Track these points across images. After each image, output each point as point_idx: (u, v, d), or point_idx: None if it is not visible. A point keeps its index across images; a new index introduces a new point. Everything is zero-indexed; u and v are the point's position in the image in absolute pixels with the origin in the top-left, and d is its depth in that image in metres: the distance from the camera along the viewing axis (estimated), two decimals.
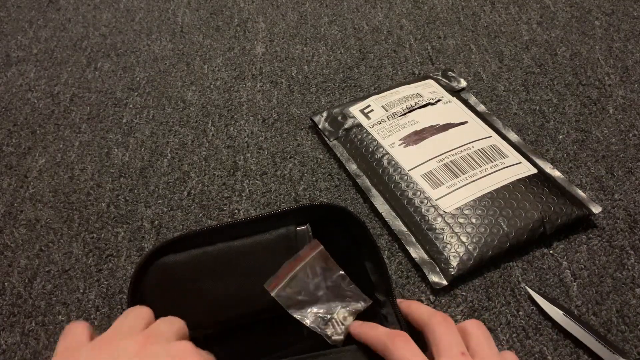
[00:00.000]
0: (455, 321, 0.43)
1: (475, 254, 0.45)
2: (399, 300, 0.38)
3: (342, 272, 0.38)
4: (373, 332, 0.34)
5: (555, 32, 0.69)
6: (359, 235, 0.40)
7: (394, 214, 0.49)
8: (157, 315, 0.36)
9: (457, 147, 0.52)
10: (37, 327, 0.44)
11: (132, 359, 0.27)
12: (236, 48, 0.70)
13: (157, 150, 0.57)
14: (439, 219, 0.47)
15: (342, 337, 0.37)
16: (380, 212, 0.49)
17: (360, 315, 0.38)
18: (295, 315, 0.37)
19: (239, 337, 0.39)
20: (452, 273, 0.44)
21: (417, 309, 0.36)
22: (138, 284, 0.37)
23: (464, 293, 0.44)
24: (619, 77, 0.63)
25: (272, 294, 0.37)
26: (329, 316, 0.38)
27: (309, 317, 0.37)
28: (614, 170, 0.53)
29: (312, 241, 0.39)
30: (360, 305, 0.38)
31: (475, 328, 0.33)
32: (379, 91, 0.60)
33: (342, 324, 0.37)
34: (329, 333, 0.37)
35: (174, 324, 0.32)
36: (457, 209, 0.47)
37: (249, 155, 0.56)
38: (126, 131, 0.59)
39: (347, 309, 0.38)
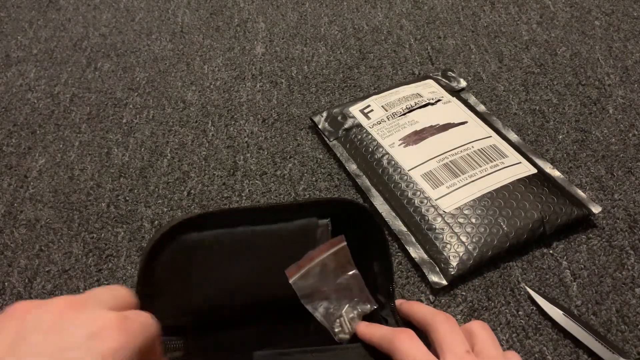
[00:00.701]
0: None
1: (475, 254, 0.45)
2: (400, 301, 0.38)
3: (356, 272, 0.38)
4: (379, 331, 0.34)
5: (555, 32, 0.69)
6: (373, 236, 0.39)
7: (393, 213, 0.49)
8: (169, 291, 0.35)
9: (457, 147, 0.52)
10: None
11: (41, 331, 0.22)
12: (236, 48, 0.70)
13: (157, 150, 0.57)
14: (439, 219, 0.47)
15: (348, 336, 0.37)
16: (380, 212, 0.49)
17: (363, 317, 0.38)
18: (307, 307, 0.37)
19: (245, 325, 0.39)
20: (452, 273, 0.44)
21: (419, 309, 0.36)
22: (152, 257, 0.35)
23: (463, 293, 0.44)
24: (618, 77, 0.63)
25: (290, 281, 0.37)
26: (338, 313, 0.38)
27: (319, 310, 0.38)
28: (614, 170, 0.53)
29: (339, 236, 0.38)
30: (368, 308, 0.38)
31: (480, 329, 0.33)
32: (379, 91, 0.60)
33: (350, 325, 0.37)
34: (336, 330, 0.37)
35: (113, 291, 0.27)
36: (456, 209, 0.47)
37: (248, 155, 0.56)
38: (126, 131, 0.59)
39: (356, 309, 0.38)
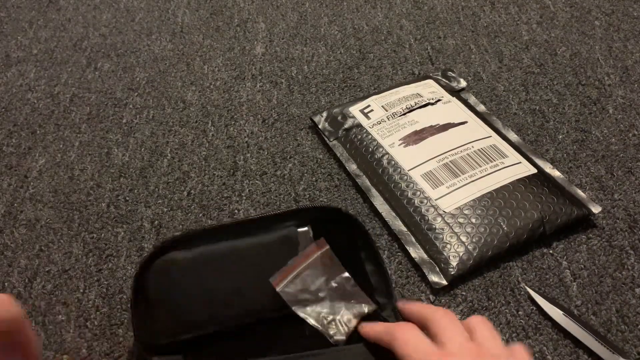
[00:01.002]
0: None
1: (475, 254, 0.45)
2: (400, 301, 0.38)
3: (347, 274, 0.39)
4: (379, 326, 0.35)
5: (555, 32, 0.69)
6: (360, 237, 0.40)
7: (393, 213, 0.49)
8: (162, 311, 0.36)
9: (457, 147, 0.52)
10: (37, 327, 0.44)
11: None
12: (236, 48, 0.70)
13: (157, 151, 0.57)
14: (439, 219, 0.47)
15: (344, 337, 0.37)
16: (380, 212, 0.49)
17: (363, 318, 0.38)
18: (298, 313, 0.38)
19: (241, 335, 0.39)
20: (452, 273, 0.44)
21: (419, 307, 0.36)
22: (142, 279, 0.37)
23: (463, 293, 0.44)
24: (618, 77, 0.63)
25: (277, 289, 0.37)
26: (332, 316, 0.38)
27: (312, 315, 0.38)
28: (614, 170, 0.53)
29: (319, 240, 0.39)
30: (365, 309, 0.38)
31: (480, 323, 0.33)
32: (379, 91, 0.60)
33: (346, 326, 0.37)
34: (331, 333, 0.37)
35: None
36: (456, 208, 0.47)
37: (248, 155, 0.56)
38: (126, 131, 0.59)
39: (352, 311, 0.38)
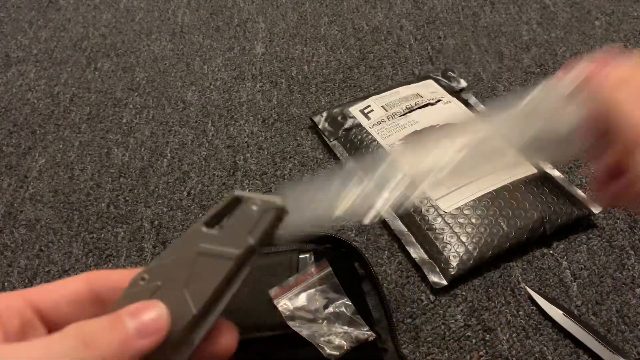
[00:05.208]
0: (455, 321, 0.43)
1: (475, 254, 0.45)
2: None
3: (347, 300, 0.39)
4: None
5: (556, 32, 0.69)
6: (364, 270, 0.42)
7: (393, 214, 0.49)
8: None
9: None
10: None
11: None
12: (236, 48, 0.70)
13: (157, 150, 0.57)
14: (439, 219, 0.47)
15: (337, 353, 0.37)
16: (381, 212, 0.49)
17: (359, 347, 0.38)
18: (293, 328, 0.38)
19: (243, 350, 0.39)
20: (452, 273, 0.44)
21: None
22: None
23: (463, 293, 0.44)
24: None
25: (275, 302, 0.38)
26: (328, 337, 0.38)
27: (305, 329, 0.38)
28: None
29: (322, 261, 0.40)
30: (363, 336, 0.38)
31: None
32: (379, 91, 0.60)
33: (341, 348, 0.38)
34: (325, 348, 0.38)
35: None
36: (457, 209, 0.47)
37: (248, 155, 0.56)
38: (126, 131, 0.59)
39: (350, 336, 0.38)
